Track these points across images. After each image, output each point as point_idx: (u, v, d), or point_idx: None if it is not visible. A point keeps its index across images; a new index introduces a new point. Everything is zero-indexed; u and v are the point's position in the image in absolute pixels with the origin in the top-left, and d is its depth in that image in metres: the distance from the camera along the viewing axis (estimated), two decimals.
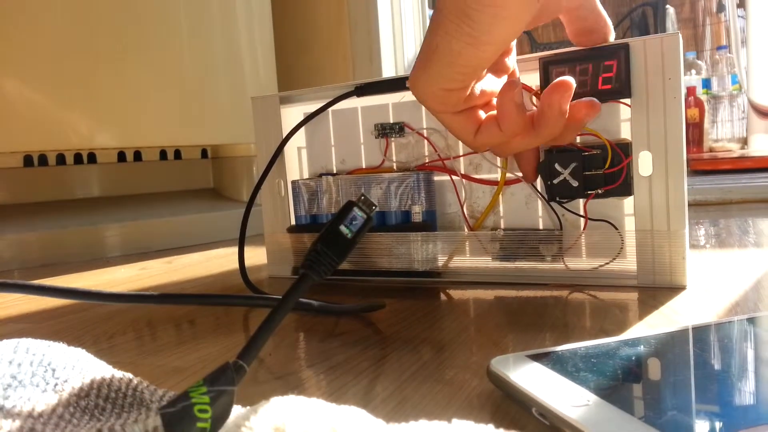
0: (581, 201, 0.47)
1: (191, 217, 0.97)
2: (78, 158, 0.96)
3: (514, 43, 0.39)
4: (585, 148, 0.45)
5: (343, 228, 0.26)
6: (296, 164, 0.60)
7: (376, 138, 0.55)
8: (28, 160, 0.91)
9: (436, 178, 0.53)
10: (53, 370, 0.24)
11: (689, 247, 0.45)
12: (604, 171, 0.44)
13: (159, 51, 0.92)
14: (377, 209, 0.28)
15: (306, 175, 0.60)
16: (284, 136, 0.57)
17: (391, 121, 0.54)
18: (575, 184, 0.45)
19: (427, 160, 0.53)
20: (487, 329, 0.37)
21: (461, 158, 0.52)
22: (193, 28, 0.96)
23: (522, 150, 0.41)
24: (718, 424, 0.20)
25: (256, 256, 0.70)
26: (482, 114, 0.39)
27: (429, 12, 1.43)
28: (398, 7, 1.26)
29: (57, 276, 0.71)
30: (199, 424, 0.18)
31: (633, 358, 0.27)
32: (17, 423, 0.21)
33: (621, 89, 0.43)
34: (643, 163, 0.44)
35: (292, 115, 0.59)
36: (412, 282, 0.52)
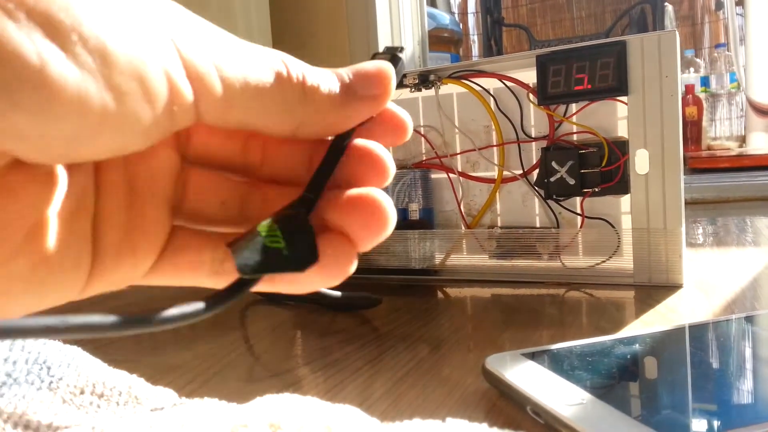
0: (578, 199, 0.47)
1: None
2: None
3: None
4: (582, 146, 0.45)
5: None
6: None
7: None
8: None
9: (433, 175, 0.53)
10: (48, 368, 0.24)
11: (686, 245, 0.45)
12: (601, 169, 0.44)
13: None
14: None
15: None
16: None
17: None
18: (572, 182, 0.45)
19: (424, 158, 0.53)
20: (483, 327, 0.37)
21: (458, 156, 0.52)
22: None
23: None
24: (713, 423, 0.20)
25: None
26: None
27: (427, 9, 1.42)
28: (396, 4, 1.26)
29: None
30: (274, 245, 0.17)
31: (629, 357, 0.27)
32: (12, 421, 0.21)
33: (618, 87, 0.43)
34: (640, 161, 0.44)
35: None
36: (409, 279, 0.52)
